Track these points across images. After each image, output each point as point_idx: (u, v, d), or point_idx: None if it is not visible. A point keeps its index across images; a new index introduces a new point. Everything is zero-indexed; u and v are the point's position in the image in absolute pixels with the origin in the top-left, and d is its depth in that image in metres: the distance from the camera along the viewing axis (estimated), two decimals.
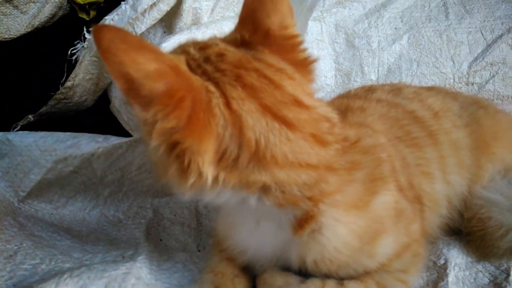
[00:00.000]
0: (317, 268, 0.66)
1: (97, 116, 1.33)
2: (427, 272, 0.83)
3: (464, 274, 0.85)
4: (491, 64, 1.46)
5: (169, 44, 1.08)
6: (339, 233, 0.63)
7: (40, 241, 0.82)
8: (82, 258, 0.79)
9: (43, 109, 1.23)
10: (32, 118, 1.24)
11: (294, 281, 0.67)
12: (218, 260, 0.78)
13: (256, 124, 0.54)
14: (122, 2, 1.17)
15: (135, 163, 0.96)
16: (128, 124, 1.21)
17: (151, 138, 0.52)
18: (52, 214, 0.95)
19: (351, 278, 0.68)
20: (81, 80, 1.24)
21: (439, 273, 0.84)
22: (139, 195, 1.05)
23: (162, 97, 0.51)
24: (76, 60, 1.22)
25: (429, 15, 1.51)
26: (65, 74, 1.21)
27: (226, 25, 1.21)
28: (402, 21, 1.51)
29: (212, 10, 1.34)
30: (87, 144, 0.92)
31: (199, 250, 0.91)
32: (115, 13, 1.13)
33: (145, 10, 1.11)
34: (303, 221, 0.61)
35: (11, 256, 0.77)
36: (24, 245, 0.80)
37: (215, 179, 0.55)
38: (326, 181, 0.59)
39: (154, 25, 1.26)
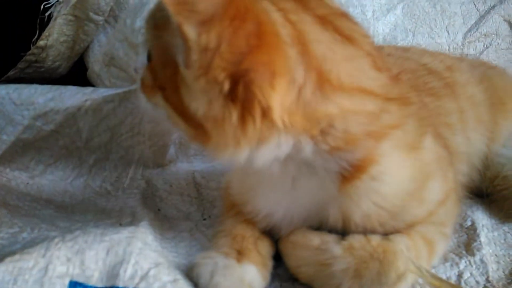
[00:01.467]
0: (362, 225, 0.58)
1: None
2: (455, 234, 0.78)
3: (493, 235, 0.81)
4: (485, 35, 1.46)
5: None
6: (400, 178, 0.56)
7: (17, 210, 0.69)
8: (70, 227, 0.67)
9: (11, 72, 1.07)
10: None
11: (332, 239, 0.58)
12: (233, 222, 0.68)
13: (319, 36, 0.46)
14: None
15: (126, 122, 0.83)
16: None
17: (210, 75, 0.43)
18: (28, 184, 0.81)
19: (395, 232, 0.60)
20: (54, 41, 1.10)
21: (468, 234, 0.80)
22: (128, 165, 0.93)
23: (227, 9, 0.41)
24: (50, 18, 1.07)
25: None
26: (37, 32, 1.06)
27: None
28: None
29: None
30: (72, 96, 0.78)
31: (205, 219, 0.80)
32: None
33: None
34: (359, 168, 0.53)
35: None
36: None
37: (283, 122, 0.46)
38: (389, 111, 0.52)
39: None
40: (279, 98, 0.45)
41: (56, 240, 0.53)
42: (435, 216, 0.63)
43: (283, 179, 0.57)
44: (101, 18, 1.13)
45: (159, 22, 0.50)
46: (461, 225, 0.81)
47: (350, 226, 0.58)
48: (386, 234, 0.60)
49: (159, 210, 0.81)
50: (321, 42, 0.47)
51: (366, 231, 0.59)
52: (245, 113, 0.45)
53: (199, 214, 0.81)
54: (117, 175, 0.91)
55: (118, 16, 1.15)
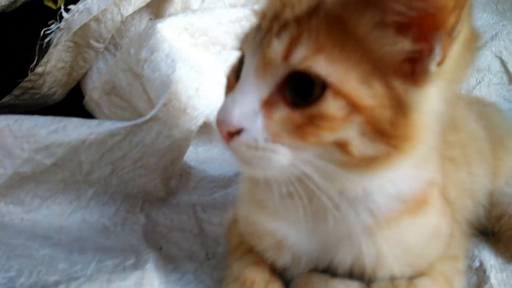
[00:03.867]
0: (389, 267, 0.57)
1: (66, 114, 1.15)
2: (466, 275, 0.77)
3: (502, 276, 0.79)
4: (477, 71, 1.48)
5: (165, 24, 0.95)
6: (435, 215, 0.58)
7: (13, 250, 0.64)
8: (69, 270, 0.62)
9: (6, 99, 1.03)
10: None
11: (357, 286, 0.56)
12: (241, 265, 0.65)
13: None
14: None
15: (130, 155, 0.80)
16: (110, 118, 1.05)
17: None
18: (23, 219, 0.76)
19: (416, 273, 0.60)
20: (52, 67, 1.07)
21: (478, 275, 0.79)
22: (127, 198, 0.89)
23: None
24: (49, 44, 1.04)
25: None
26: (36, 58, 1.03)
27: (223, 14, 1.11)
28: None
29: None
30: (77, 129, 0.75)
31: (209, 259, 0.77)
32: None
33: None
34: (412, 206, 0.55)
35: None
36: None
37: None
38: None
39: (140, 10, 1.14)
40: None
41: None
42: (449, 249, 0.64)
43: (316, 206, 0.54)
44: (101, 45, 1.11)
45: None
46: (470, 266, 0.80)
47: (364, 270, 0.57)
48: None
49: (160, 248, 0.77)
50: None
51: (390, 275, 0.57)
52: None
53: (203, 253, 0.77)
54: (115, 209, 0.87)
55: (118, 44, 1.13)
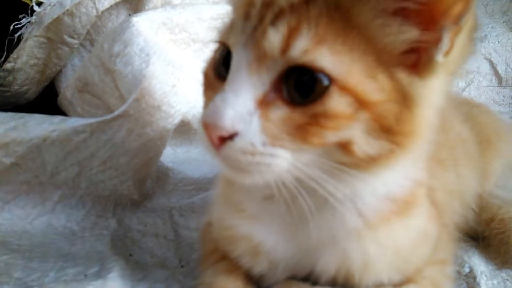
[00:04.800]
0: (378, 273, 0.54)
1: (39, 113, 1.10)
2: (455, 282, 0.73)
3: (493, 283, 0.76)
4: (467, 73, 1.46)
5: (141, 18, 0.90)
6: (423, 217, 0.56)
7: None
8: (26, 279, 0.57)
9: None
10: None
11: None
12: (214, 273, 0.61)
13: None
14: None
15: (98, 155, 0.74)
16: (83, 117, 1.00)
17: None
18: None
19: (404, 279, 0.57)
20: (23, 64, 1.02)
21: (468, 282, 0.76)
22: (98, 202, 0.84)
23: None
24: (20, 39, 0.99)
25: None
26: (5, 54, 0.97)
27: (204, 10, 1.07)
28: None
29: None
30: (38, 126, 0.69)
31: (182, 266, 0.72)
32: None
33: None
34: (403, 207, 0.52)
35: None
36: None
37: None
38: None
39: (117, 5, 1.09)
40: None
41: None
42: (436, 253, 0.61)
43: (298, 209, 0.49)
44: (76, 41, 1.06)
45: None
46: (459, 272, 0.77)
47: (366, 274, 0.53)
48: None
49: (130, 255, 0.72)
50: None
51: (377, 281, 0.53)
52: None
53: (177, 260, 0.72)
54: (84, 213, 0.82)
55: (94, 40, 1.08)
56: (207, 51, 1.05)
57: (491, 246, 0.83)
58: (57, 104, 1.11)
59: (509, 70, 1.48)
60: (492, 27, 1.54)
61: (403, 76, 0.42)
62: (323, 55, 0.40)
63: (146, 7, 1.10)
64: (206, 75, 0.51)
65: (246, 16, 0.43)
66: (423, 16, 0.41)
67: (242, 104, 0.41)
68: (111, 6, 1.06)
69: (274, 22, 0.41)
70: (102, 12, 1.06)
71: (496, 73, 1.48)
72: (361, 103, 0.40)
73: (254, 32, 0.42)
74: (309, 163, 0.43)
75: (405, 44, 0.42)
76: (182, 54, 1.03)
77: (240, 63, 0.42)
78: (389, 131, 0.42)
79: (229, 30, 0.46)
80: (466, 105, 1.01)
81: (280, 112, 0.41)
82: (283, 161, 0.42)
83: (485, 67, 1.48)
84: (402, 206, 0.53)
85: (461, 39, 0.42)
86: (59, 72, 1.11)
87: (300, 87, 0.41)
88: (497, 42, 1.50)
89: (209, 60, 0.51)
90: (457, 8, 0.39)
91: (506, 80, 1.48)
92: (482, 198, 0.86)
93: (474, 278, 0.75)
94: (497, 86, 1.49)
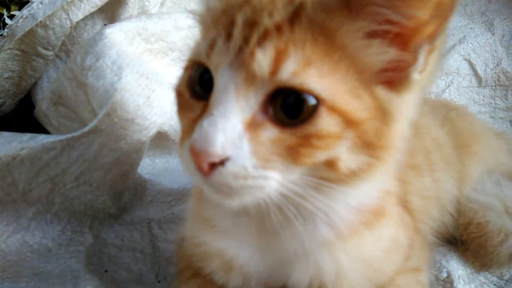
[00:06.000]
0: (342, 285, 0.54)
1: (16, 126, 1.08)
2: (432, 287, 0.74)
3: (470, 287, 0.76)
4: (446, 74, 1.47)
5: (114, 30, 0.89)
6: (393, 226, 0.58)
7: None
8: None
9: None
10: None
11: None
12: None
13: None
14: None
15: (70, 171, 0.73)
16: (58, 130, 0.99)
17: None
18: None
19: None
20: None
21: (445, 287, 0.75)
22: (74, 217, 0.82)
23: None
24: None
25: None
26: None
27: (180, 18, 1.06)
28: None
29: (162, 4, 1.19)
30: (6, 144, 0.67)
31: (159, 281, 0.71)
32: None
33: None
34: (375, 214, 0.54)
35: None
36: None
37: None
38: None
39: (92, 15, 1.08)
40: None
41: None
42: (409, 261, 0.62)
43: (270, 223, 0.49)
44: (51, 53, 1.05)
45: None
46: (437, 277, 0.77)
47: (338, 285, 0.54)
48: None
49: (106, 271, 0.71)
50: None
51: None
52: None
53: (153, 275, 0.72)
54: (60, 229, 0.81)
55: (70, 50, 1.07)
56: (184, 60, 1.05)
57: (469, 250, 0.83)
58: (34, 116, 1.10)
59: (488, 70, 1.48)
60: (470, 28, 1.55)
61: (382, 93, 0.43)
62: (312, 77, 0.40)
63: (122, 17, 1.08)
64: (179, 93, 0.49)
65: (228, 36, 0.43)
66: (400, 37, 0.42)
67: (232, 128, 0.41)
68: (86, 16, 1.05)
69: (260, 43, 0.41)
70: (77, 23, 1.04)
71: (475, 73, 1.49)
72: (348, 122, 0.41)
73: (240, 53, 0.42)
74: (296, 181, 0.43)
75: (384, 63, 0.43)
76: (159, 64, 1.02)
77: (227, 85, 0.42)
78: (370, 147, 0.43)
79: (208, 49, 0.44)
80: (444, 108, 1.01)
81: (269, 134, 0.41)
82: (274, 181, 0.42)
83: (465, 68, 1.48)
84: (372, 217, 0.54)
85: (435, 56, 0.44)
86: (35, 84, 1.09)
87: (286, 108, 0.41)
88: (476, 43, 1.51)
89: (180, 78, 0.50)
90: (430, 29, 0.41)
91: (486, 80, 1.49)
92: (460, 202, 0.87)
93: (452, 282, 0.75)
94: (477, 87, 1.50)
